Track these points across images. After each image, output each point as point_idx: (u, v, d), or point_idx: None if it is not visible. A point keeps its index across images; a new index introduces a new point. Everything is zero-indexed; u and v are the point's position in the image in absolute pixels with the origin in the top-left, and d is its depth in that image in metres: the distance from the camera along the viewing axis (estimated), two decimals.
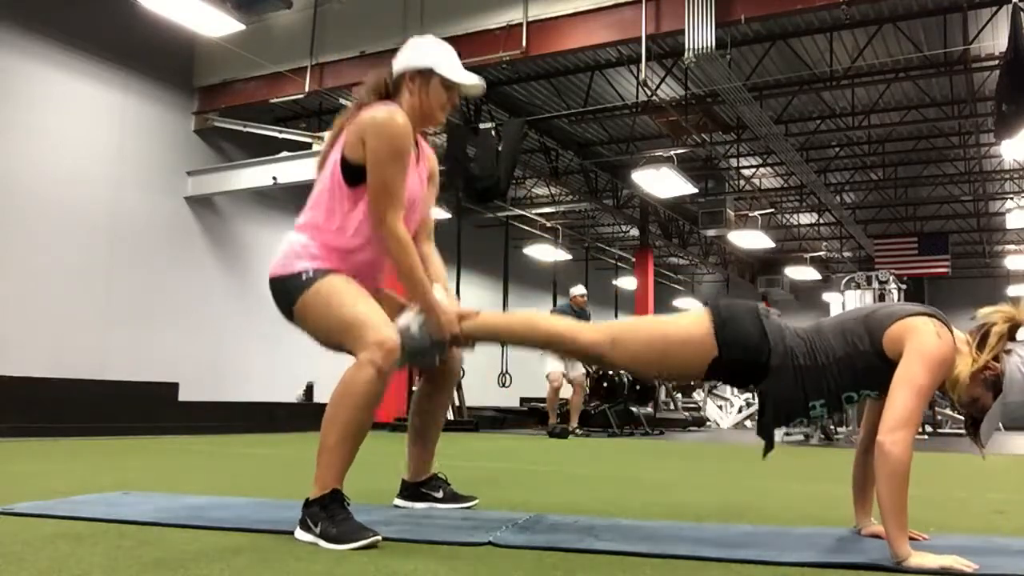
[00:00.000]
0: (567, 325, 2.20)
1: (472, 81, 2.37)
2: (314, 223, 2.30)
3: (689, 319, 2.09)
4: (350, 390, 2.09)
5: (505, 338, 2.28)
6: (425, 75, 2.33)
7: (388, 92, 2.36)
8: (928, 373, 1.85)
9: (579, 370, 9.32)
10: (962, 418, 2.04)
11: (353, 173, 2.27)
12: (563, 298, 12.45)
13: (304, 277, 2.22)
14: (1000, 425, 2.00)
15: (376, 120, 2.24)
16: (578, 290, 9.81)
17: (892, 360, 1.91)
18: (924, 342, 1.88)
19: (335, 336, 2.21)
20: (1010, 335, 1.92)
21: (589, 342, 2.13)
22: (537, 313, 2.28)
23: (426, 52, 2.37)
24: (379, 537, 1.94)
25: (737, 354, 2.01)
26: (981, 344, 1.92)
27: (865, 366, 1.96)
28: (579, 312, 9.65)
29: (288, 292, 2.25)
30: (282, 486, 3.47)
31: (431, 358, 2.30)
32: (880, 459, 1.80)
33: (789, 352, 2.00)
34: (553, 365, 9.27)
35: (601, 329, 2.16)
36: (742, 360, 2.02)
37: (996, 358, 1.90)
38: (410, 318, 2.24)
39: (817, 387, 1.99)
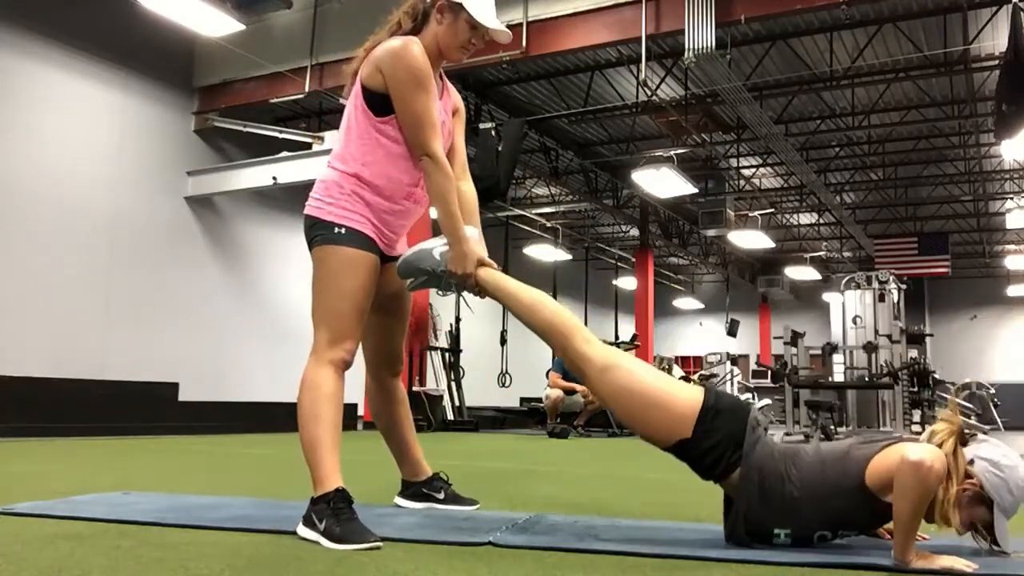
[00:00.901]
0: (572, 324, 2.16)
1: (497, 26, 2.33)
2: (343, 156, 2.32)
3: (684, 390, 2.04)
4: (317, 389, 2.18)
5: (511, 305, 2.23)
6: (455, 9, 2.30)
7: (417, 18, 2.36)
8: (925, 495, 1.75)
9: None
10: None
11: (375, 101, 2.28)
12: (565, 302, 12.44)
13: (336, 231, 2.25)
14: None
15: (391, 49, 2.24)
16: None
17: (875, 494, 1.84)
18: (912, 477, 1.75)
19: (314, 305, 2.27)
20: (962, 443, 1.86)
21: (583, 353, 2.09)
22: (550, 300, 2.22)
23: None
24: (380, 543, 1.94)
25: (705, 446, 1.96)
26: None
27: (845, 506, 1.89)
28: None
29: (316, 234, 2.29)
30: (282, 486, 3.47)
31: (437, 283, 2.31)
32: (915, 479, 1.73)
33: (757, 469, 1.93)
34: (551, 392, 9.25)
35: (603, 350, 2.11)
36: (707, 452, 1.96)
37: (966, 474, 1.84)
38: (436, 243, 2.26)
39: (781, 516, 1.93)
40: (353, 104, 2.33)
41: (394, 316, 2.55)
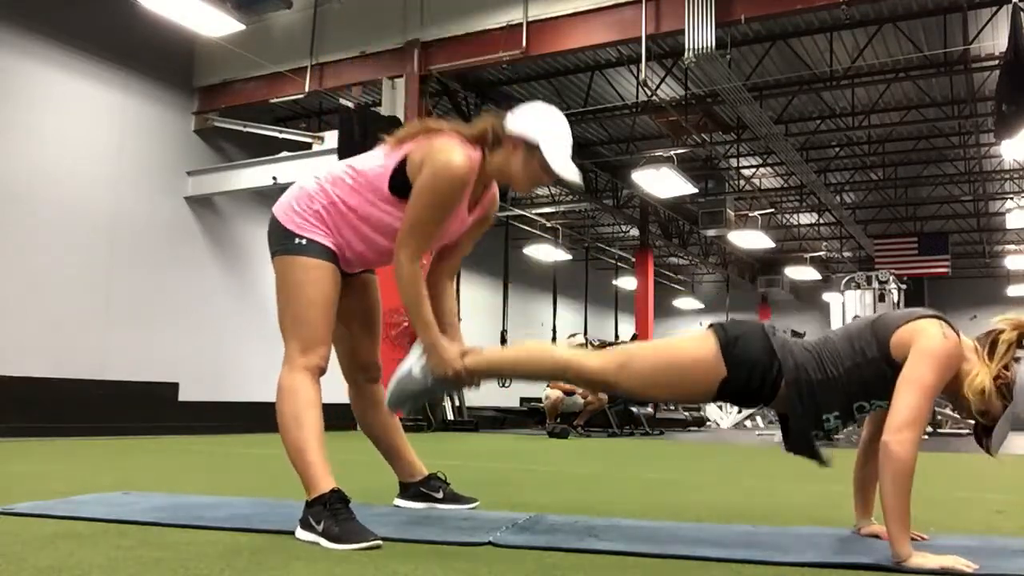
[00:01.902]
0: (572, 353, 2.18)
1: (571, 176, 2.24)
2: (336, 182, 2.27)
3: (695, 340, 2.07)
4: (296, 396, 2.18)
5: (509, 373, 2.24)
6: (531, 148, 2.23)
7: (487, 140, 2.27)
8: (934, 373, 1.85)
9: None
10: (968, 422, 2.04)
11: (400, 182, 2.23)
12: (564, 302, 12.46)
13: (296, 241, 2.24)
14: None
15: (439, 159, 2.16)
16: (577, 339, 9.74)
17: (900, 365, 1.90)
18: (930, 342, 1.87)
19: (281, 316, 2.27)
20: (1019, 343, 1.91)
21: (596, 368, 2.10)
22: (540, 344, 2.24)
23: (543, 128, 2.24)
24: (380, 542, 1.94)
25: (747, 373, 1.99)
26: (991, 352, 1.91)
27: (873, 374, 1.94)
28: None
29: (278, 244, 2.29)
30: (282, 486, 3.47)
31: (435, 396, 2.31)
32: (885, 459, 1.80)
33: (800, 367, 1.98)
34: (551, 392, 9.23)
35: (607, 355, 2.13)
36: (752, 379, 2.00)
37: (1006, 366, 1.89)
38: (412, 360, 2.25)
39: (829, 400, 1.98)
40: (383, 163, 2.26)
41: (361, 324, 2.54)
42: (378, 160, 2.28)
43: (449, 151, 2.18)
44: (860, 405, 2.00)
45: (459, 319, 2.46)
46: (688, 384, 2.06)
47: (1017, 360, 1.89)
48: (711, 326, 2.08)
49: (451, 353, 2.21)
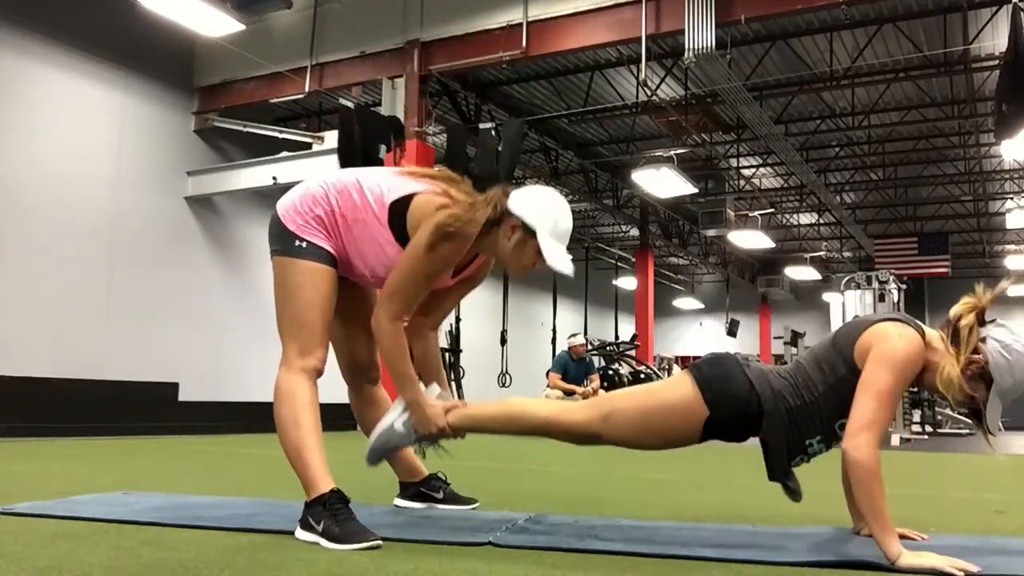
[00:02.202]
0: (556, 409, 2.16)
1: (565, 270, 2.17)
2: (342, 191, 2.26)
3: (673, 384, 2.08)
4: (294, 397, 2.18)
5: (492, 429, 2.22)
6: (529, 232, 2.20)
7: (490, 218, 2.21)
8: (890, 374, 1.86)
9: (595, 383, 9.33)
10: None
11: (401, 226, 2.22)
12: (564, 302, 12.43)
13: (296, 243, 2.24)
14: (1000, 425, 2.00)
15: (435, 230, 2.13)
16: (577, 339, 9.65)
17: None
18: (885, 345, 1.88)
19: (279, 317, 2.27)
20: (979, 323, 1.92)
21: (581, 422, 2.10)
22: (522, 402, 2.21)
23: (543, 216, 2.19)
24: (380, 542, 1.94)
25: (727, 411, 2.00)
26: (955, 340, 1.92)
27: (847, 391, 1.94)
28: (579, 362, 9.55)
29: (277, 244, 2.29)
30: (282, 486, 3.47)
31: (422, 448, 2.32)
32: (847, 466, 1.83)
33: (778, 396, 1.99)
34: (551, 392, 9.23)
35: (591, 406, 2.13)
36: (735, 415, 2.00)
37: (975, 350, 1.89)
38: (394, 416, 2.25)
39: (810, 424, 1.99)
40: (388, 192, 2.23)
41: (358, 325, 2.53)
42: (386, 185, 2.25)
43: (450, 220, 2.14)
44: (841, 423, 1.98)
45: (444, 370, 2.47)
46: (674, 427, 2.05)
47: (984, 340, 1.89)
48: (685, 367, 2.10)
49: (434, 411, 2.21)
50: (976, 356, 1.89)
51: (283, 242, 2.27)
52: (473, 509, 2.64)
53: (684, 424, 2.03)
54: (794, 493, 2.06)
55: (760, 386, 2.00)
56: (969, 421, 10.04)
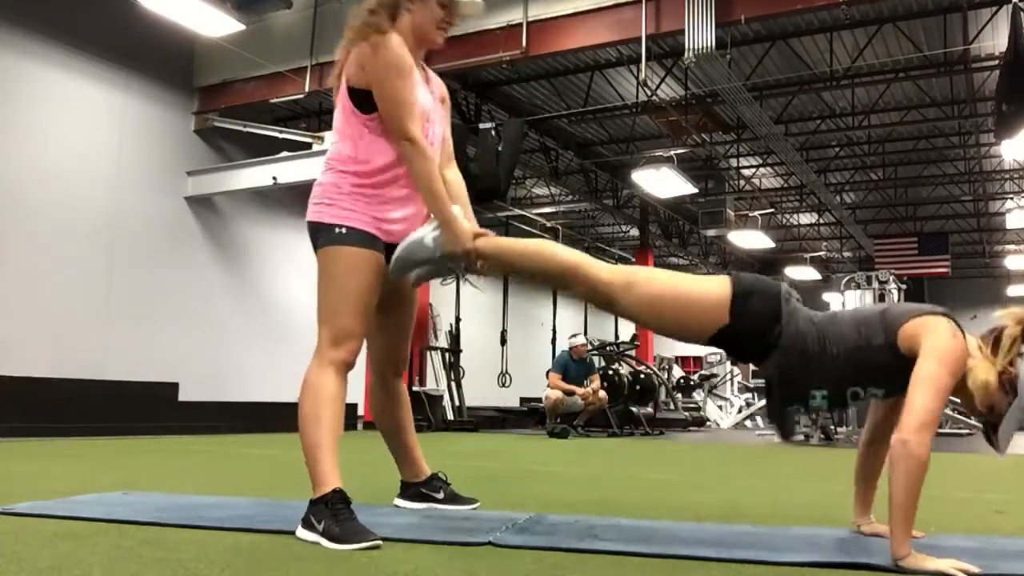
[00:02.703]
0: (584, 258, 2.14)
1: None
2: (339, 156, 2.35)
3: (710, 281, 2.05)
4: (318, 392, 2.19)
5: (518, 263, 2.21)
6: None
7: (387, 12, 2.36)
8: (948, 372, 1.84)
9: (596, 384, 9.33)
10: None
11: (362, 99, 2.30)
12: (564, 302, 12.41)
13: (336, 231, 2.27)
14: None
15: (370, 44, 2.27)
16: (578, 340, 9.64)
17: (904, 357, 1.89)
18: (943, 341, 1.86)
19: (319, 305, 2.29)
20: (1023, 338, 1.91)
21: (604, 280, 2.08)
22: (555, 244, 2.20)
23: None
24: (380, 542, 1.94)
25: (746, 327, 1.99)
26: (995, 348, 1.91)
27: (876, 362, 1.93)
28: (579, 362, 9.56)
29: (319, 237, 2.31)
30: (282, 486, 3.47)
31: (439, 271, 2.29)
32: (902, 458, 1.77)
33: (799, 335, 1.97)
34: (551, 392, 9.23)
35: (619, 270, 2.10)
36: (749, 334, 1.99)
37: (1011, 362, 1.88)
38: (427, 230, 2.25)
39: (821, 376, 1.97)
40: (342, 106, 2.37)
41: (400, 315, 2.55)
42: (336, 109, 2.39)
43: (372, 38, 2.26)
44: (855, 391, 1.98)
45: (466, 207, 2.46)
46: (686, 320, 2.04)
47: (1021, 355, 1.89)
48: (731, 273, 2.08)
49: (464, 231, 2.21)
50: (1010, 368, 1.88)
51: (324, 233, 2.29)
52: (473, 509, 2.64)
53: (700, 322, 2.02)
54: (785, 433, 2.05)
55: (788, 321, 1.98)
56: (970, 422, 10.06)
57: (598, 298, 2.12)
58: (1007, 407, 1.88)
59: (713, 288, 2.02)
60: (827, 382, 1.97)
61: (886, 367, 1.93)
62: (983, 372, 1.88)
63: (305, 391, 2.22)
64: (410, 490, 2.67)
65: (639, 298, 2.05)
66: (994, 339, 1.92)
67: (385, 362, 2.59)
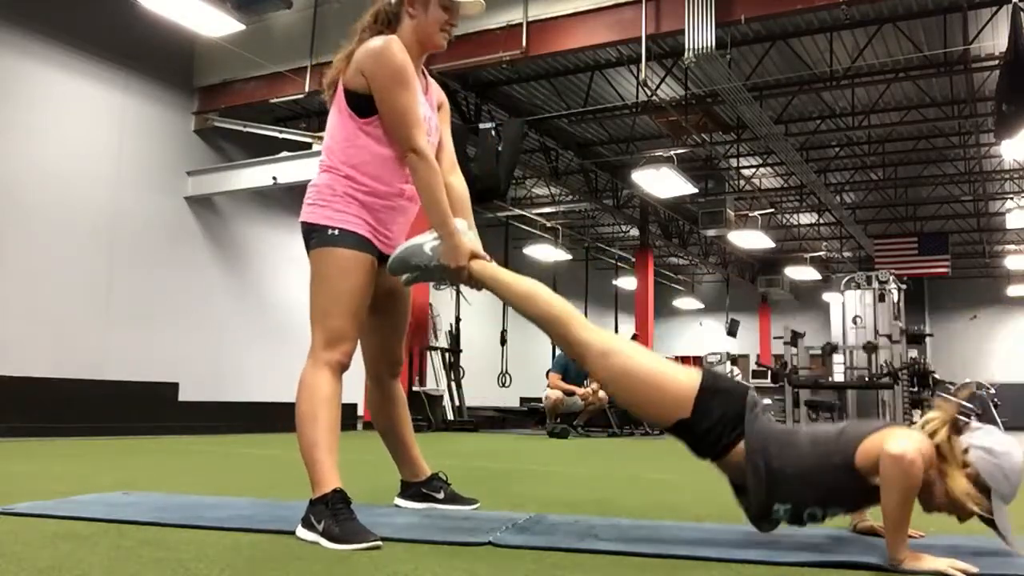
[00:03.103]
0: (571, 314, 2.15)
1: None
2: (332, 158, 2.34)
3: (682, 371, 2.06)
4: (314, 392, 2.19)
5: (506, 297, 2.23)
6: None
7: (389, 21, 2.36)
8: (910, 486, 1.78)
9: (596, 384, 9.32)
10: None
11: (359, 103, 2.29)
12: (567, 296, 12.39)
13: (329, 232, 2.27)
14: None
15: (371, 49, 2.26)
16: None
17: (863, 476, 1.86)
18: (898, 462, 1.78)
19: (312, 306, 2.29)
20: (956, 432, 1.88)
21: (582, 340, 2.10)
22: (547, 291, 2.21)
23: None
24: (380, 542, 1.94)
25: (705, 426, 1.98)
26: (943, 458, 1.86)
27: (833, 481, 1.91)
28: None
29: (311, 238, 2.31)
30: (282, 486, 3.47)
31: (430, 278, 2.31)
32: (888, 467, 1.77)
33: (761, 451, 1.95)
34: (551, 392, 9.22)
35: (601, 337, 2.11)
36: (707, 432, 1.98)
37: (964, 463, 1.86)
38: (427, 237, 2.26)
39: (780, 492, 1.95)
40: (337, 108, 2.35)
41: (393, 316, 2.55)
42: (332, 112, 2.37)
43: (374, 42, 2.26)
44: (812, 512, 1.95)
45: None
46: (650, 403, 2.06)
47: (967, 451, 1.85)
48: (704, 370, 2.08)
49: (463, 246, 2.22)
50: (967, 470, 1.85)
51: (316, 234, 2.29)
52: (473, 509, 2.64)
53: (661, 408, 2.03)
54: (766, 527, 2.04)
55: (749, 429, 1.97)
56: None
57: (570, 352, 2.15)
58: (988, 502, 1.85)
59: (682, 379, 2.02)
60: (785, 498, 1.95)
61: (845, 487, 1.90)
62: (958, 483, 1.84)
63: (301, 392, 2.22)
64: (410, 490, 2.67)
65: (612, 369, 2.07)
66: (938, 454, 1.87)
67: (381, 363, 2.59)
